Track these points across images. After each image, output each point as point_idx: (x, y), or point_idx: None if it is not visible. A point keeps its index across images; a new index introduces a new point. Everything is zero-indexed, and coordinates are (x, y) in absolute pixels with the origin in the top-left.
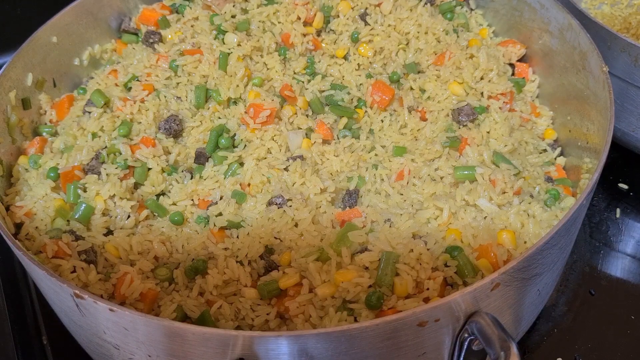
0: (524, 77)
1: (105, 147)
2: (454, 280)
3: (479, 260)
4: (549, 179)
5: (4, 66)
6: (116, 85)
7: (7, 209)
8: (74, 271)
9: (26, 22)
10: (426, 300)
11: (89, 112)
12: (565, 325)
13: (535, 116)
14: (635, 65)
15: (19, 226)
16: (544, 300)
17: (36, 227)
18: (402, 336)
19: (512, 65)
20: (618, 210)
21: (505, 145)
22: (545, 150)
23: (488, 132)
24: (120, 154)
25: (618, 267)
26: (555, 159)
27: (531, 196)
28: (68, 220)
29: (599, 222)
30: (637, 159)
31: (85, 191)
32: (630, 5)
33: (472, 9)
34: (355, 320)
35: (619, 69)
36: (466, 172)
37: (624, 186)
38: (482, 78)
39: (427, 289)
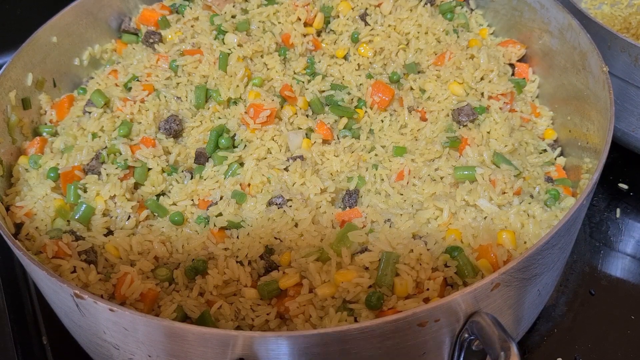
0: (524, 78)
1: (105, 147)
2: (454, 280)
3: (479, 260)
4: (549, 179)
5: (4, 66)
6: (116, 85)
7: (7, 209)
8: (74, 271)
9: (26, 22)
10: (426, 300)
11: (89, 112)
12: (565, 325)
13: (535, 116)
14: (635, 65)
15: (19, 226)
16: (544, 300)
17: (36, 227)
18: (402, 336)
19: (512, 65)
20: (618, 210)
21: (506, 146)
22: (545, 151)
23: (488, 132)
24: (120, 154)
25: (618, 267)
26: (555, 159)
27: (531, 196)
28: (68, 221)
29: (599, 222)
30: (637, 159)
31: (85, 191)
32: (630, 5)
33: (472, 9)
34: (356, 321)
35: (619, 69)
36: (466, 172)
37: (624, 186)
38: (482, 78)
39: (427, 289)
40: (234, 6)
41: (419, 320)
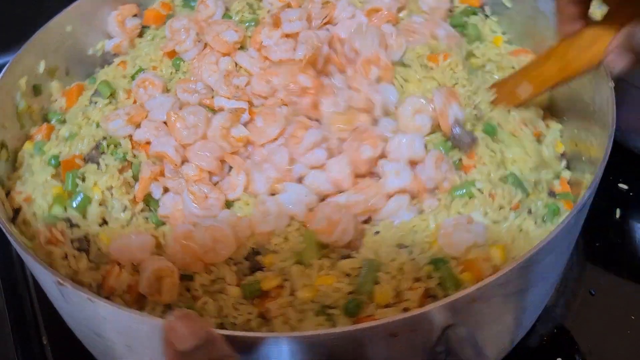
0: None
1: (105, 137)
2: (436, 292)
3: (463, 273)
4: (552, 193)
5: (17, 53)
6: (124, 77)
7: (8, 193)
8: (66, 258)
9: (26, 22)
10: (405, 310)
11: (95, 102)
12: (565, 326)
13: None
14: None
15: (19, 212)
16: (532, 316)
17: (34, 213)
18: (374, 345)
19: None
20: (618, 210)
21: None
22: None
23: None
24: (121, 146)
25: (618, 267)
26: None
27: (529, 212)
28: (66, 208)
29: (598, 222)
30: (637, 159)
31: (83, 180)
32: None
33: (487, 16)
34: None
35: None
36: (463, 192)
37: (624, 186)
38: None
39: (407, 299)
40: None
41: (391, 330)
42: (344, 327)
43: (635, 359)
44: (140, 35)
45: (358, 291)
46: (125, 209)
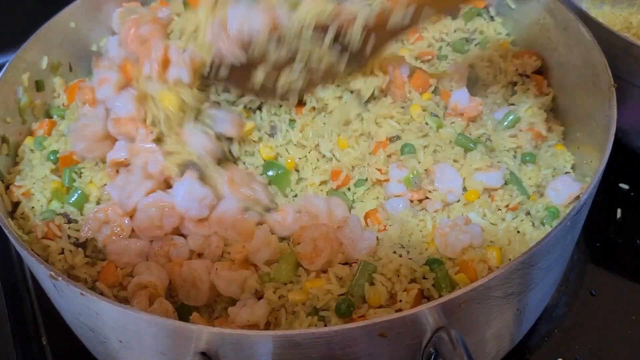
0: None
1: None
2: (431, 293)
3: (458, 275)
4: None
5: (20, 48)
6: None
7: (7, 187)
8: (62, 253)
9: (26, 22)
10: (398, 311)
11: None
12: (565, 326)
13: (547, 130)
14: (636, 65)
15: (19, 206)
16: (529, 319)
17: (32, 207)
18: (362, 345)
19: (527, 76)
20: (619, 210)
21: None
22: (554, 169)
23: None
24: None
25: (619, 267)
26: None
27: (527, 213)
28: (63, 203)
29: (599, 222)
30: (638, 159)
31: (80, 176)
32: (631, 4)
33: (492, 17)
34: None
35: (619, 68)
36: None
37: (625, 186)
38: None
39: (400, 300)
40: None
41: (379, 330)
42: (330, 327)
43: (635, 359)
44: None
45: (351, 292)
46: None
